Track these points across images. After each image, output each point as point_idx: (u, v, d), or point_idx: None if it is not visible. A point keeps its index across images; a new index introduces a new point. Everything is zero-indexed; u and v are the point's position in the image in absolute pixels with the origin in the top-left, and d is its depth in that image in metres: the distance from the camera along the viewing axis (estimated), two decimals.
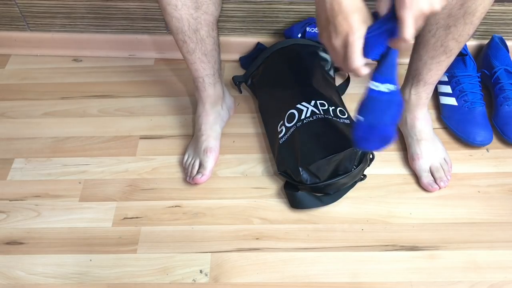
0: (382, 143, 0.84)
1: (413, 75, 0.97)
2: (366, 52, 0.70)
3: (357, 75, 0.71)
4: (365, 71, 0.70)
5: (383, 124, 0.82)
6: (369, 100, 0.79)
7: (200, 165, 1.05)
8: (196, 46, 0.96)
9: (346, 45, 0.69)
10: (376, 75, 0.76)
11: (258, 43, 1.27)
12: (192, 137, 1.12)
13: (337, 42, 0.70)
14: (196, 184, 1.04)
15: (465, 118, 1.09)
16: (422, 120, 1.03)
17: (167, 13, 0.91)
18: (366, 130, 0.82)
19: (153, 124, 1.18)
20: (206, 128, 1.07)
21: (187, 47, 0.96)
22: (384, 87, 0.77)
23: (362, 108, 0.80)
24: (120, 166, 1.10)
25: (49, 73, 1.32)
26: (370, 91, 0.78)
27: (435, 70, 0.93)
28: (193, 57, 0.98)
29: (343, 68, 0.72)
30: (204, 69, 1.01)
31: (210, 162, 1.05)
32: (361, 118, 0.81)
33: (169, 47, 1.31)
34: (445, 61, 0.91)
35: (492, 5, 1.14)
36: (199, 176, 1.03)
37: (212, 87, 1.05)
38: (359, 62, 0.69)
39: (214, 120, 1.09)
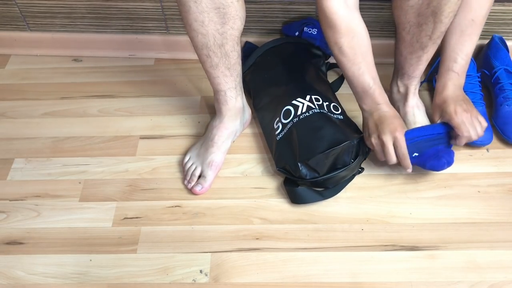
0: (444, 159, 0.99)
1: (397, 69, 1.05)
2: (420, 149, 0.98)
3: (405, 164, 0.95)
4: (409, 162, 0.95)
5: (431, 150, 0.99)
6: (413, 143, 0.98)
7: (201, 176, 1.05)
8: (220, 60, 0.95)
9: (394, 139, 0.94)
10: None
11: (247, 42, 1.27)
12: (198, 139, 1.12)
13: (386, 138, 0.94)
14: (194, 194, 1.04)
15: None
16: (414, 107, 1.08)
17: (193, 29, 0.90)
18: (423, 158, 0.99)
19: (153, 124, 1.18)
20: (219, 140, 1.06)
21: (210, 62, 0.96)
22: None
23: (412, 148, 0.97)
24: (120, 166, 1.10)
25: (49, 73, 1.32)
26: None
27: (416, 64, 1.00)
28: (216, 72, 0.98)
29: (389, 159, 0.95)
30: (227, 83, 1.00)
31: (211, 175, 1.05)
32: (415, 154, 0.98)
33: (169, 47, 1.31)
34: (424, 56, 0.98)
35: (492, 5, 1.15)
36: (198, 188, 1.03)
37: (234, 101, 1.04)
38: (405, 151, 0.94)
39: (228, 135, 1.07)
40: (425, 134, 0.98)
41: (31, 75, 1.32)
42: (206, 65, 0.97)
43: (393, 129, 0.94)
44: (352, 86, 0.97)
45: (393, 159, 0.95)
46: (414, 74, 1.03)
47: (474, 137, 0.97)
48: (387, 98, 0.98)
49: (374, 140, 0.96)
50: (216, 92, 1.03)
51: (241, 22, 0.92)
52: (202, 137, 1.11)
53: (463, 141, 0.98)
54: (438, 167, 0.99)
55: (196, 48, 0.94)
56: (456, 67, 0.98)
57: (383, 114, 0.95)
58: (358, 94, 0.97)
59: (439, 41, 0.94)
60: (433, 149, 0.99)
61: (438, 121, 1.00)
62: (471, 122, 0.96)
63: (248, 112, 1.13)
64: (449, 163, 0.99)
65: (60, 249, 0.98)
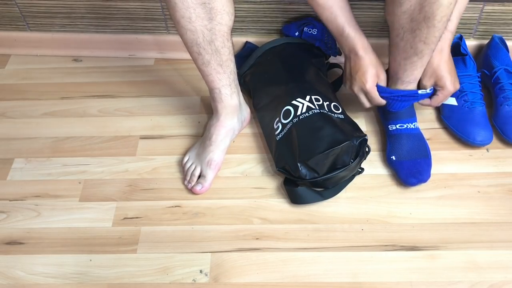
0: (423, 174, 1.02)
1: (392, 75, 1.00)
2: (395, 107, 1.03)
3: (379, 104, 1.02)
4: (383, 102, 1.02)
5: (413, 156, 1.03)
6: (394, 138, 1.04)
7: (201, 175, 1.05)
8: (211, 57, 0.96)
9: (365, 93, 1.00)
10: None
11: (247, 42, 1.27)
12: (197, 139, 1.12)
13: (357, 91, 1.01)
14: (195, 194, 1.04)
15: (465, 118, 1.09)
16: None
17: (181, 26, 0.90)
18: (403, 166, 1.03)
19: (153, 124, 1.18)
20: (217, 139, 1.06)
21: (202, 59, 0.96)
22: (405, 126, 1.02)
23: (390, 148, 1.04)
24: (120, 166, 1.10)
25: (49, 73, 1.32)
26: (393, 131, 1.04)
27: (410, 70, 0.96)
28: (209, 69, 0.98)
29: (363, 106, 1.03)
30: (220, 80, 1.01)
31: (211, 174, 1.05)
32: (392, 157, 1.03)
33: (169, 47, 1.31)
34: (418, 62, 0.94)
35: (492, 5, 1.15)
36: (199, 187, 1.03)
37: (229, 98, 1.04)
38: (379, 100, 1.01)
39: (226, 133, 1.07)
40: (399, 94, 0.99)
41: (31, 75, 1.32)
42: (198, 63, 0.98)
43: (364, 82, 0.97)
44: (329, 30, 0.99)
45: (365, 106, 1.02)
46: (408, 80, 0.98)
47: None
48: (365, 42, 0.98)
49: (348, 88, 1.03)
50: (211, 90, 1.04)
51: (229, 17, 0.92)
52: (201, 137, 1.11)
53: (439, 102, 1.02)
54: (411, 184, 1.02)
55: (186, 45, 0.95)
56: (450, 26, 0.95)
57: (358, 60, 0.98)
58: (336, 38, 0.99)
59: (433, 46, 0.91)
60: (411, 162, 1.02)
61: (429, 88, 1.00)
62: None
63: (246, 110, 1.13)
64: (423, 181, 1.02)
65: (60, 249, 0.98)
